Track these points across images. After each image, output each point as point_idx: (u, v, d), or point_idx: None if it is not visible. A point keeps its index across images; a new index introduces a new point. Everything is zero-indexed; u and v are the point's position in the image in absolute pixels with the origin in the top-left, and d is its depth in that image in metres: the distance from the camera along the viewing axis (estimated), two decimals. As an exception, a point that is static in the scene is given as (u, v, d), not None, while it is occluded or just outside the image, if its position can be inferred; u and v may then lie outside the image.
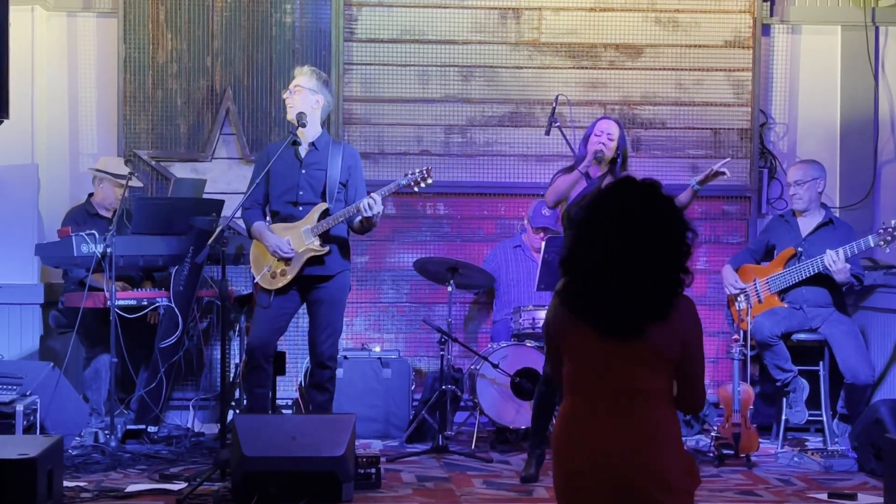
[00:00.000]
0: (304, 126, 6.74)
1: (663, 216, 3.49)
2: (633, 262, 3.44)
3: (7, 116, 5.38)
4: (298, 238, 6.73)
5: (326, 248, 6.76)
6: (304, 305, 6.90)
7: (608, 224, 3.47)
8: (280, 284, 6.75)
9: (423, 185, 6.90)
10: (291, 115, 6.81)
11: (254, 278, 6.87)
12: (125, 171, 7.76)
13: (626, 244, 3.44)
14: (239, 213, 6.81)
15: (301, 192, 6.78)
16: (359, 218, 6.74)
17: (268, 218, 6.91)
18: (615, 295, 3.44)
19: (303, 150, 6.82)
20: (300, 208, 6.77)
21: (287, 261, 6.73)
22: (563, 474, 3.55)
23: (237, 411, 7.47)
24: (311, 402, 6.93)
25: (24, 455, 5.01)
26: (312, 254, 6.74)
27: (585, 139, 6.74)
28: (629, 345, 3.47)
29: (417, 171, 6.89)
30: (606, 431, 3.47)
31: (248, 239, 7.45)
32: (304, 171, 6.78)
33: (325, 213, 6.75)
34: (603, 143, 6.61)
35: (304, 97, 6.81)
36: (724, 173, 6.72)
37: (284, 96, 6.89)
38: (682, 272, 3.53)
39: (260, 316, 6.79)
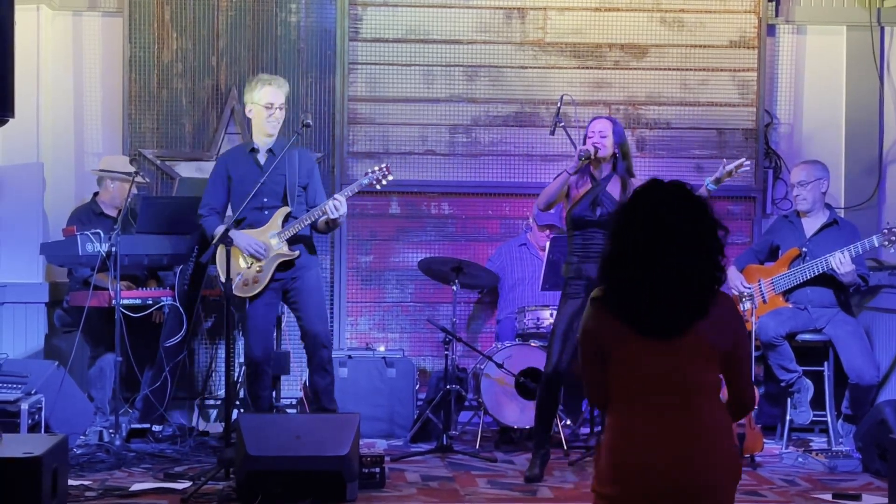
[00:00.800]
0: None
1: (698, 216, 3.53)
2: (672, 263, 3.47)
3: (13, 115, 5.37)
4: (266, 241, 6.90)
5: (296, 253, 6.95)
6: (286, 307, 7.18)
7: (646, 227, 3.50)
8: (253, 292, 6.91)
9: (384, 182, 7.13)
10: (274, 130, 7.05)
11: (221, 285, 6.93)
12: (130, 169, 7.77)
13: (665, 246, 3.48)
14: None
15: (265, 199, 6.95)
16: (324, 218, 6.91)
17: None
18: (659, 295, 3.47)
19: (262, 157, 7.02)
20: (266, 212, 6.96)
21: (259, 267, 6.85)
22: (638, 485, 3.51)
23: (241, 410, 7.47)
24: (314, 388, 7.00)
25: (29, 454, 5.02)
26: (282, 259, 6.91)
27: (583, 142, 6.75)
28: (677, 342, 3.50)
29: (377, 168, 7.13)
30: (673, 433, 3.48)
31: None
32: (266, 179, 6.88)
33: (287, 217, 6.95)
34: (595, 143, 6.61)
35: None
36: (742, 165, 6.72)
37: (273, 111, 7.03)
38: (717, 269, 3.56)
39: (252, 326, 6.94)
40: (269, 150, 7.03)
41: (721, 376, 3.62)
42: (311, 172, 7.12)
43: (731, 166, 6.71)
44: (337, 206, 6.84)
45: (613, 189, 6.63)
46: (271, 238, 6.90)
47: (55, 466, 5.22)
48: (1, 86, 5.19)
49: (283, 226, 6.95)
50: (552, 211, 7.40)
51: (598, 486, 3.60)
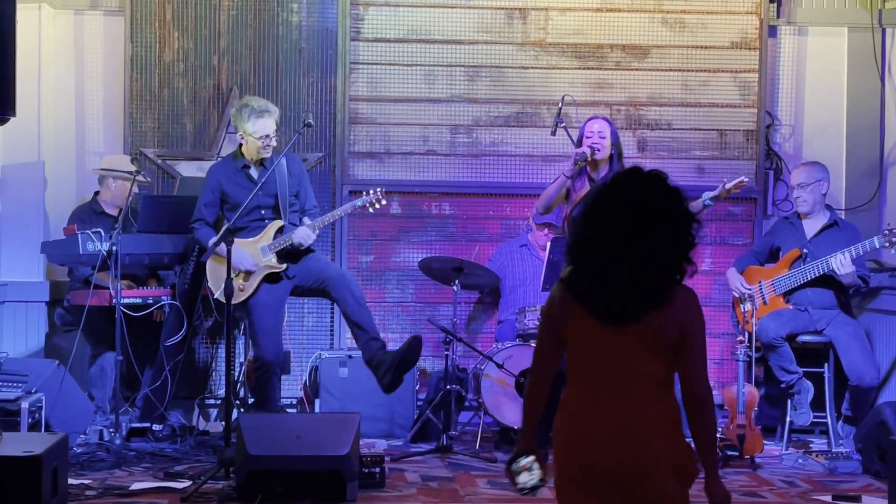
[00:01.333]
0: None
1: (667, 205, 3.52)
2: (636, 250, 3.48)
3: (14, 114, 5.37)
4: (256, 254, 7.01)
5: (283, 266, 7.06)
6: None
7: (613, 212, 3.51)
8: (239, 300, 6.98)
9: (377, 206, 7.28)
10: (267, 155, 7.13)
11: (212, 293, 7.08)
12: (131, 167, 7.78)
13: (630, 232, 3.48)
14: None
15: (262, 211, 7.10)
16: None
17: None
18: (616, 281, 3.49)
19: (254, 172, 7.13)
20: (266, 222, 7.12)
21: (246, 276, 6.97)
22: (569, 463, 3.54)
23: (241, 410, 7.47)
24: (357, 323, 7.06)
25: (29, 452, 5.02)
26: (270, 271, 7.04)
27: (579, 142, 6.75)
28: (628, 330, 3.51)
29: (373, 192, 7.27)
30: (610, 418, 3.50)
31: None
32: (260, 192, 6.99)
33: (279, 230, 7.09)
34: (594, 144, 6.61)
35: None
36: (742, 183, 6.77)
37: (268, 141, 7.08)
38: (685, 261, 3.55)
39: (259, 327, 7.00)
40: (261, 164, 7.15)
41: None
42: (300, 178, 7.26)
43: (730, 184, 6.74)
44: (304, 240, 7.02)
45: (611, 191, 6.62)
46: (262, 250, 7.03)
47: (55, 465, 5.22)
48: (2, 85, 5.18)
49: (274, 238, 7.06)
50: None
51: (554, 461, 3.63)
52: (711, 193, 6.78)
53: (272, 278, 7.06)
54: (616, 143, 6.73)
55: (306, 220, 7.17)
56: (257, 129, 7.03)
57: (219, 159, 7.74)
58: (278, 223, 7.10)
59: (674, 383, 3.62)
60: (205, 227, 7.12)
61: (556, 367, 3.70)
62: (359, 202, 7.23)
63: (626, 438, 3.49)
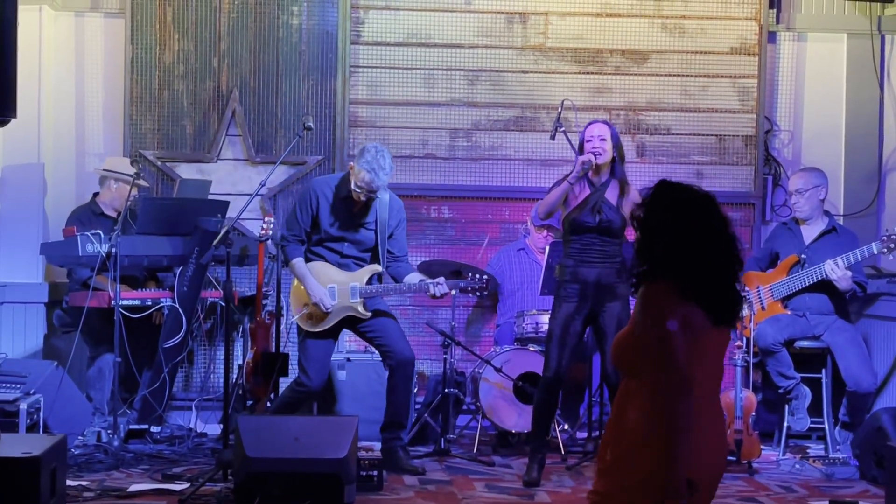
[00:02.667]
0: None
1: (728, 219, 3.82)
2: (729, 254, 3.74)
3: (14, 116, 5.38)
4: (345, 290, 6.88)
5: (368, 314, 6.92)
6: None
7: (707, 221, 3.74)
8: (315, 329, 6.90)
9: (477, 294, 7.24)
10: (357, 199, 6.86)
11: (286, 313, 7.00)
12: (132, 170, 7.78)
13: (723, 239, 3.75)
14: (224, 226, 6.94)
15: (346, 244, 6.92)
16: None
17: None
18: (729, 283, 3.73)
19: (357, 205, 6.88)
20: (342, 259, 6.93)
21: (322, 315, 6.87)
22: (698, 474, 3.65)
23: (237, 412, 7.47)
24: (394, 402, 6.95)
25: (27, 454, 5.02)
26: (353, 314, 6.90)
27: (580, 147, 6.75)
28: (726, 333, 3.78)
29: (478, 276, 7.15)
30: (721, 424, 3.77)
31: (255, 242, 7.51)
32: (355, 226, 6.89)
33: (373, 276, 6.97)
34: (595, 148, 6.61)
35: None
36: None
37: (359, 195, 6.81)
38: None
39: (315, 355, 6.93)
40: (365, 204, 6.88)
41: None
42: (400, 224, 7.02)
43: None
44: (439, 290, 6.86)
45: (612, 194, 6.64)
46: (352, 290, 6.87)
47: (54, 466, 5.22)
48: (3, 87, 5.20)
49: (367, 283, 6.93)
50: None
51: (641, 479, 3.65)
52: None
53: (350, 320, 6.96)
54: (617, 146, 6.72)
55: (415, 274, 7.05)
56: (359, 177, 6.73)
57: (324, 177, 7.39)
58: (376, 268, 6.96)
59: None
60: (296, 244, 6.89)
61: None
62: (462, 284, 7.07)
63: (725, 443, 3.88)
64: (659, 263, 3.70)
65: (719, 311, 3.67)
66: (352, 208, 6.87)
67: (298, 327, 7.00)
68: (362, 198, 6.80)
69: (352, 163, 6.85)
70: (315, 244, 6.93)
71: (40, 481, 4.99)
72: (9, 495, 4.95)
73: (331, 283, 6.86)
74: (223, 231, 6.52)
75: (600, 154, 6.62)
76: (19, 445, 5.24)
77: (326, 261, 6.92)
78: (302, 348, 7.02)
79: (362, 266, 6.96)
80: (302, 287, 6.89)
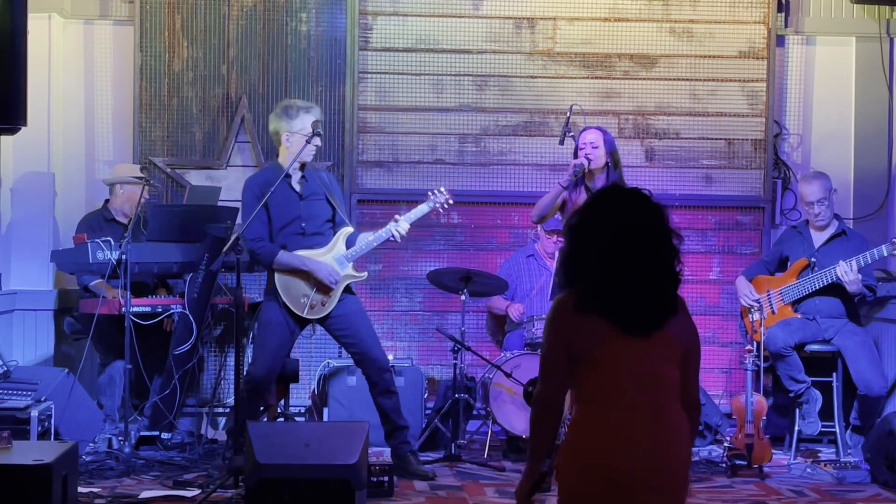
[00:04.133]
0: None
1: (662, 221, 3.60)
2: (648, 259, 3.54)
3: (25, 124, 5.41)
4: (334, 265, 6.85)
5: (364, 274, 6.93)
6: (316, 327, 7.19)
7: (615, 230, 3.53)
8: (319, 315, 6.87)
9: (447, 206, 7.19)
10: (310, 158, 6.92)
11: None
12: (140, 175, 7.82)
13: (643, 241, 3.54)
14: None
15: (304, 224, 6.88)
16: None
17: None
18: (640, 290, 3.53)
19: (296, 184, 6.90)
20: (306, 239, 6.89)
21: (327, 291, 6.80)
22: (607, 481, 3.52)
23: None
24: (382, 409, 6.92)
25: (39, 461, 5.03)
26: (351, 280, 6.88)
27: (575, 153, 6.77)
28: (655, 340, 3.54)
29: (438, 192, 7.14)
30: (651, 431, 3.53)
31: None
32: (303, 203, 6.87)
33: (347, 237, 6.94)
34: (587, 154, 6.62)
35: None
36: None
37: (317, 143, 6.87)
38: (678, 272, 3.64)
39: (270, 344, 6.84)
40: (303, 177, 6.91)
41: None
42: (339, 193, 7.11)
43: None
44: (402, 232, 6.91)
45: (608, 200, 6.64)
46: (337, 260, 6.87)
47: (65, 474, 5.23)
48: (14, 96, 5.23)
49: (346, 247, 6.93)
50: (557, 217, 7.40)
51: (567, 485, 3.60)
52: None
53: (344, 290, 6.92)
54: (612, 152, 6.74)
55: (365, 233, 7.05)
56: (306, 124, 6.79)
57: (253, 174, 7.39)
58: (347, 230, 6.95)
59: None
60: (266, 241, 6.83)
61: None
62: (427, 206, 7.10)
63: (668, 450, 3.55)
64: (563, 273, 3.67)
65: (625, 320, 3.52)
66: (293, 187, 6.87)
67: (265, 309, 6.93)
68: (319, 143, 6.85)
69: (284, 139, 6.82)
70: (274, 234, 6.85)
71: (52, 489, 5.01)
72: (21, 503, 4.95)
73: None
74: (233, 238, 6.52)
75: (591, 160, 6.62)
76: (31, 453, 5.26)
77: (296, 247, 6.85)
78: (261, 333, 6.92)
79: (329, 239, 6.94)
80: (295, 278, 6.80)
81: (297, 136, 6.82)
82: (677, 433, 3.57)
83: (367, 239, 6.96)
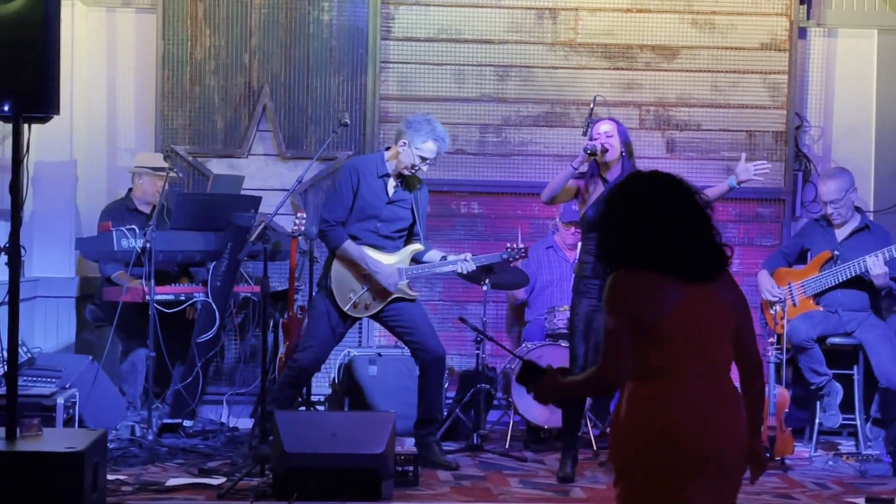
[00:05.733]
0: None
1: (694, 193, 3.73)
2: (695, 222, 3.66)
3: (58, 112, 5.40)
4: (393, 273, 6.84)
5: (415, 293, 6.94)
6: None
7: (667, 209, 3.63)
8: (361, 315, 6.91)
9: (518, 262, 7.29)
10: (410, 174, 6.92)
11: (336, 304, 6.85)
12: (164, 164, 7.83)
13: (686, 212, 3.65)
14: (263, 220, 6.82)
15: (379, 225, 6.87)
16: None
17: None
18: (696, 242, 3.63)
19: (390, 187, 6.89)
20: (382, 240, 6.89)
21: (379, 296, 6.83)
22: (672, 456, 3.55)
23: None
24: (426, 399, 6.95)
25: (71, 448, 5.04)
26: (401, 296, 6.88)
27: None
28: (713, 307, 3.61)
29: (515, 247, 7.19)
30: (715, 404, 3.59)
31: (286, 238, 7.52)
32: (387, 206, 6.87)
33: (413, 254, 6.97)
34: (602, 143, 6.64)
35: None
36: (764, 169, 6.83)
37: (423, 165, 6.87)
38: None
39: (319, 334, 6.85)
40: (399, 184, 6.91)
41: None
42: (425, 209, 7.09)
43: (755, 166, 6.79)
44: (466, 268, 6.96)
45: (624, 189, 6.66)
46: (399, 272, 6.86)
47: (96, 461, 5.24)
48: (48, 84, 5.22)
49: (410, 263, 6.93)
50: (574, 208, 7.39)
51: (637, 455, 3.59)
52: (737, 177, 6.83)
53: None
54: (626, 143, 6.75)
55: (435, 251, 7.08)
56: (425, 149, 6.78)
57: (359, 156, 7.31)
58: (416, 247, 6.95)
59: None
60: (339, 227, 6.79)
61: None
62: (499, 257, 7.13)
63: (732, 426, 3.62)
64: (609, 254, 3.74)
65: (688, 268, 3.59)
66: (386, 188, 6.87)
67: (315, 299, 6.97)
68: (424, 169, 6.87)
69: (401, 144, 6.80)
70: (349, 224, 6.85)
71: (84, 476, 5.02)
72: (53, 490, 4.97)
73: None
74: (261, 227, 6.52)
75: (607, 150, 6.64)
76: (61, 440, 5.27)
77: (365, 243, 6.86)
78: (311, 323, 6.95)
79: (398, 246, 6.95)
80: (350, 272, 6.81)
81: (414, 153, 6.79)
82: (739, 408, 3.62)
83: (435, 263, 6.99)
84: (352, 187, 6.80)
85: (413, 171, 6.85)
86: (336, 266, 6.84)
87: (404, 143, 6.80)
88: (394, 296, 6.86)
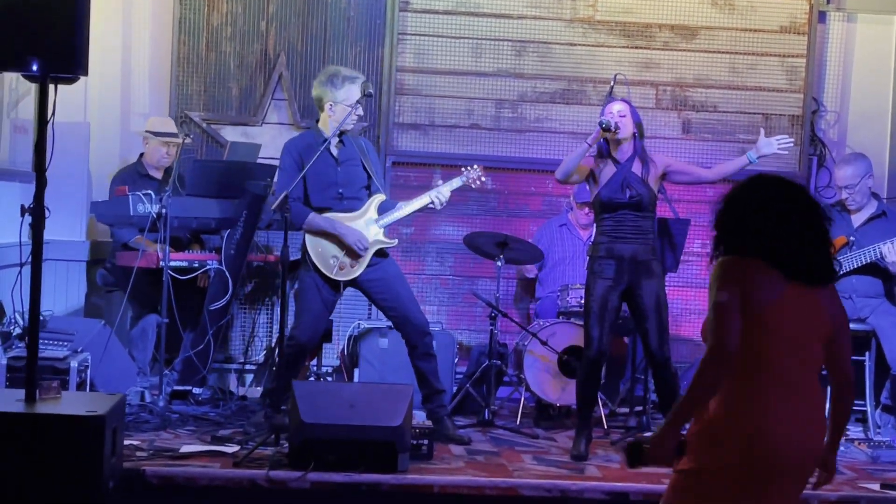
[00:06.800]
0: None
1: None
2: (818, 223, 3.77)
3: (86, 74, 5.35)
4: (364, 229, 6.79)
5: (394, 241, 6.88)
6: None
7: (792, 199, 3.77)
8: (347, 277, 6.81)
9: (478, 183, 7.12)
10: (352, 126, 6.90)
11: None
12: (172, 129, 7.78)
13: (807, 213, 3.77)
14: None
15: (341, 189, 6.82)
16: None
17: None
18: (814, 242, 3.73)
19: (334, 149, 6.84)
20: (344, 202, 6.82)
21: (356, 255, 6.77)
22: (751, 459, 3.63)
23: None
24: (420, 372, 6.89)
25: (92, 412, 5.01)
26: (381, 246, 6.83)
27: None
28: (811, 310, 3.68)
29: (471, 168, 7.09)
30: (807, 408, 3.67)
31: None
32: (339, 169, 6.82)
33: (380, 204, 6.89)
34: (616, 121, 6.60)
35: None
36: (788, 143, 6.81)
37: (358, 109, 6.81)
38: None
39: (311, 307, 6.81)
40: (340, 142, 6.85)
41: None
42: (377, 161, 7.06)
43: (777, 140, 6.78)
44: (442, 200, 6.90)
45: (636, 169, 6.66)
46: (369, 225, 6.82)
47: (115, 426, 5.22)
48: (79, 45, 5.16)
49: (378, 213, 6.88)
50: (587, 189, 7.37)
51: (703, 459, 3.67)
52: (756, 152, 6.81)
53: (378, 254, 6.88)
54: (638, 124, 6.72)
55: (402, 202, 7.01)
56: (350, 95, 6.74)
57: (293, 137, 7.29)
58: (380, 197, 6.90)
59: None
60: (299, 202, 6.74)
61: None
62: (457, 182, 7.03)
63: (814, 433, 3.70)
64: (724, 238, 3.81)
65: (789, 265, 3.67)
66: (331, 153, 6.80)
67: (300, 277, 6.92)
68: (361, 112, 6.84)
69: (328, 107, 6.75)
70: (312, 198, 6.79)
71: (104, 440, 4.99)
72: (74, 453, 4.94)
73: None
74: (282, 196, 6.46)
75: (619, 128, 6.61)
76: (81, 403, 5.24)
77: (337, 210, 6.81)
78: (301, 299, 6.89)
79: (363, 204, 6.90)
80: (325, 240, 6.76)
81: (340, 105, 6.75)
82: (823, 415, 3.71)
83: (406, 206, 6.94)
84: (295, 162, 6.74)
85: (354, 119, 6.83)
86: (309, 238, 6.79)
87: (329, 104, 6.76)
88: (373, 249, 6.80)
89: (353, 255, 6.78)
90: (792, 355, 3.65)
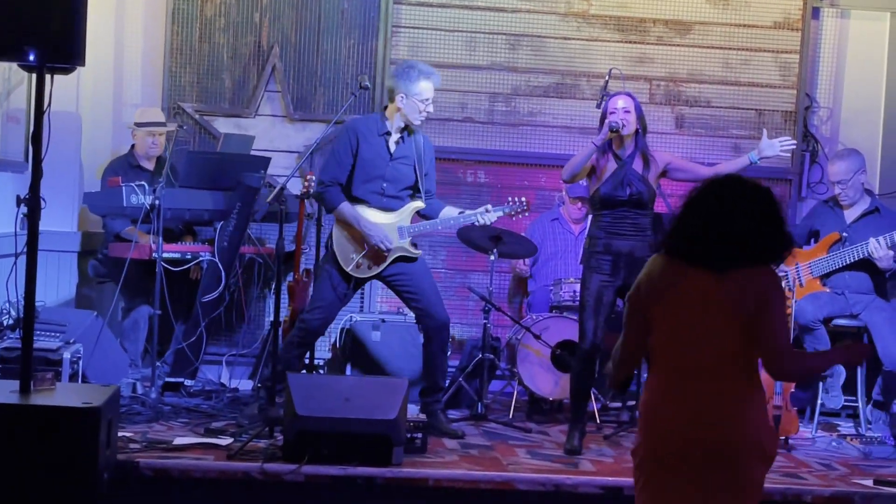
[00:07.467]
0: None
1: (771, 204, 3.84)
2: (735, 221, 3.76)
3: (83, 64, 5.33)
4: (393, 232, 6.76)
5: (418, 252, 6.85)
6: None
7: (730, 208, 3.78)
8: (364, 276, 6.81)
9: (521, 216, 7.14)
10: (419, 122, 6.79)
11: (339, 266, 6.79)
12: (159, 118, 7.75)
13: (730, 206, 3.78)
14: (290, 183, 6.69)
15: (385, 185, 6.77)
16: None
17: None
18: (715, 230, 3.76)
19: (392, 143, 6.77)
20: (384, 200, 6.77)
21: (376, 257, 6.74)
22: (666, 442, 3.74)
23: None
24: (431, 365, 6.90)
25: (88, 404, 5.00)
26: (403, 254, 6.79)
27: (602, 119, 6.71)
28: (713, 299, 3.71)
29: (517, 200, 7.06)
30: (701, 396, 3.73)
31: (294, 199, 7.44)
32: (391, 164, 6.75)
33: (415, 212, 6.88)
34: (621, 119, 6.59)
35: None
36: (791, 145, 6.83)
37: (428, 105, 6.72)
38: (777, 248, 3.83)
39: (326, 296, 6.79)
40: (401, 137, 6.78)
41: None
42: (432, 161, 6.95)
43: (780, 143, 6.78)
44: (487, 219, 6.86)
45: (637, 166, 6.64)
46: (399, 230, 6.77)
47: (110, 417, 5.20)
48: (76, 36, 5.14)
49: (411, 221, 6.84)
50: (582, 183, 7.37)
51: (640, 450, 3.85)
52: (758, 155, 6.82)
53: (401, 259, 6.84)
54: (640, 118, 6.70)
55: (450, 208, 6.96)
56: (422, 90, 6.65)
57: (357, 116, 7.17)
58: (418, 205, 6.84)
59: (757, 362, 3.81)
60: (337, 188, 6.68)
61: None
62: (503, 210, 6.98)
63: (715, 417, 3.70)
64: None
65: (687, 252, 3.75)
66: (388, 146, 6.76)
67: (322, 260, 6.92)
68: (430, 110, 6.74)
69: (398, 100, 6.68)
70: (354, 186, 6.76)
71: (100, 431, 4.97)
72: (69, 445, 4.93)
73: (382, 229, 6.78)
74: (278, 188, 6.45)
75: (625, 125, 6.59)
76: (76, 395, 5.23)
77: (368, 204, 6.78)
78: (317, 285, 6.90)
79: (402, 205, 6.88)
80: (349, 233, 6.74)
81: (412, 100, 6.68)
82: (728, 402, 3.70)
83: (444, 218, 6.91)
84: (351, 148, 6.70)
85: (423, 116, 6.74)
86: (337, 228, 6.79)
87: (401, 96, 6.69)
88: (395, 255, 6.79)
89: (373, 257, 6.76)
90: (691, 344, 3.72)
